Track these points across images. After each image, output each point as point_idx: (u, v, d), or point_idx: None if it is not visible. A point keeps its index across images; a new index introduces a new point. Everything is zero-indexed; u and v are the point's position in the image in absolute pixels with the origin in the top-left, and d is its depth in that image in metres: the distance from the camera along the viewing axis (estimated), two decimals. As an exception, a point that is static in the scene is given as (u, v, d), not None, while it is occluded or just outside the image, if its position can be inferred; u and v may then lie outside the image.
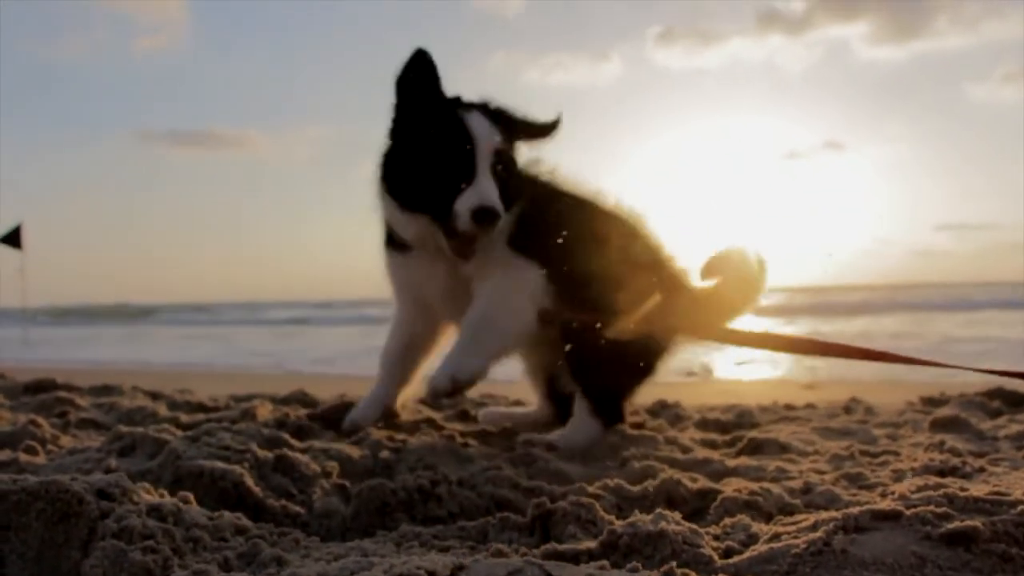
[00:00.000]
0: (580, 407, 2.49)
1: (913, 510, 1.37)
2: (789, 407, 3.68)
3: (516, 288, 2.39)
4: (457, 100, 2.37)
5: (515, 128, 2.41)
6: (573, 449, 2.35)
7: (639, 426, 2.81)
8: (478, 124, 2.28)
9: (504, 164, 2.32)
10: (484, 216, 2.19)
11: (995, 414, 3.09)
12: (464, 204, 2.21)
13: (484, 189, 2.21)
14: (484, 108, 2.37)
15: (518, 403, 3.48)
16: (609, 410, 2.53)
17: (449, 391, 2.30)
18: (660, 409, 3.32)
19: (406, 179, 2.36)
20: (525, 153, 2.48)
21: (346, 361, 8.98)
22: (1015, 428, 2.62)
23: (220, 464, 1.88)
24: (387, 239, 2.55)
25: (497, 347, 2.39)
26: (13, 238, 12.82)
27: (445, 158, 2.26)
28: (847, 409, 3.53)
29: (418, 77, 2.33)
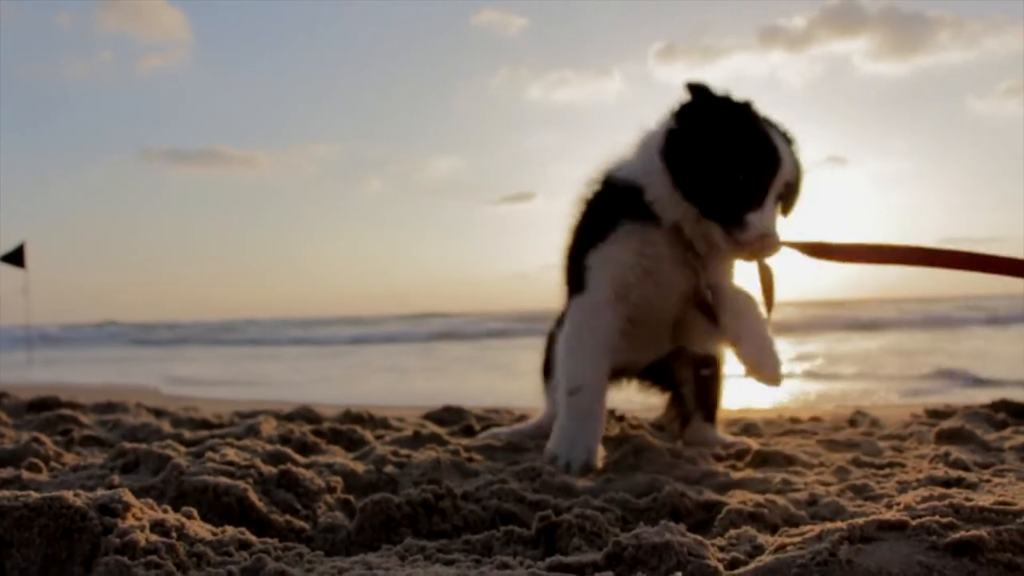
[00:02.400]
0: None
1: (918, 520, 1.37)
2: (794, 420, 3.67)
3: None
4: (755, 112, 2.40)
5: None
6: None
7: (645, 440, 2.80)
8: (784, 150, 2.35)
9: (785, 197, 2.42)
10: (767, 245, 2.35)
11: (1000, 426, 3.08)
12: (757, 223, 2.30)
13: (772, 217, 2.34)
14: (780, 131, 2.42)
15: (521, 419, 3.47)
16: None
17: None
18: (666, 423, 3.31)
19: (703, 179, 2.35)
20: None
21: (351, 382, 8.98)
22: (1020, 439, 2.61)
23: (224, 480, 1.88)
24: (625, 213, 2.47)
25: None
26: (16, 257, 12.84)
27: (751, 174, 2.32)
28: (852, 422, 3.52)
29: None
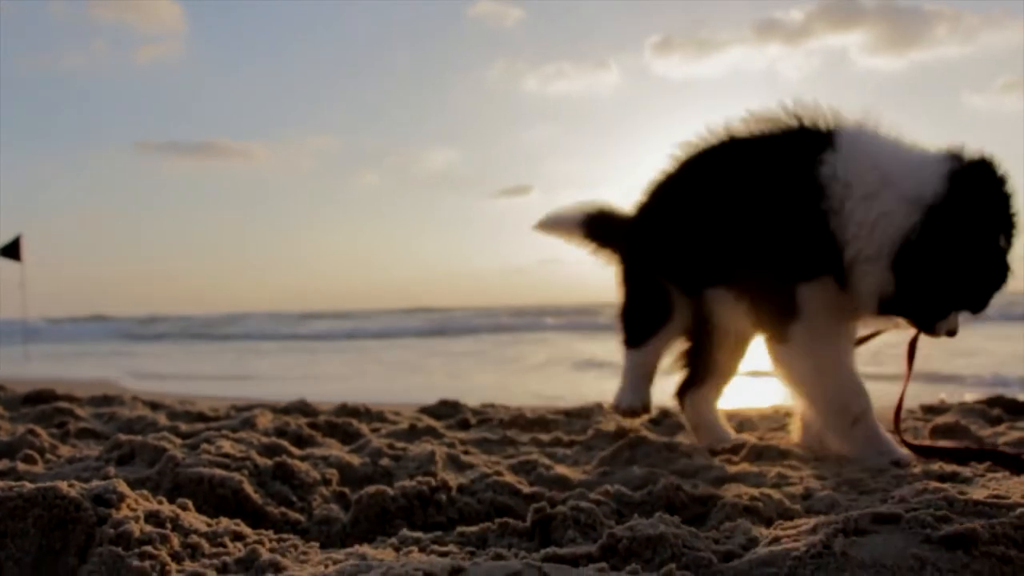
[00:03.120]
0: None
1: (913, 513, 1.37)
2: (789, 414, 3.66)
3: None
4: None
5: None
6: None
7: (641, 434, 2.80)
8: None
9: None
10: (953, 335, 2.36)
11: (995, 421, 3.09)
12: (950, 326, 2.31)
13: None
14: None
15: (518, 412, 3.47)
16: None
17: None
18: (662, 418, 3.32)
19: (933, 288, 2.24)
20: None
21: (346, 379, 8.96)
22: (1015, 435, 2.61)
23: (219, 471, 1.88)
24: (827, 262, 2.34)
25: None
26: (12, 250, 12.82)
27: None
28: (848, 417, 3.52)
29: (992, 197, 2.23)
